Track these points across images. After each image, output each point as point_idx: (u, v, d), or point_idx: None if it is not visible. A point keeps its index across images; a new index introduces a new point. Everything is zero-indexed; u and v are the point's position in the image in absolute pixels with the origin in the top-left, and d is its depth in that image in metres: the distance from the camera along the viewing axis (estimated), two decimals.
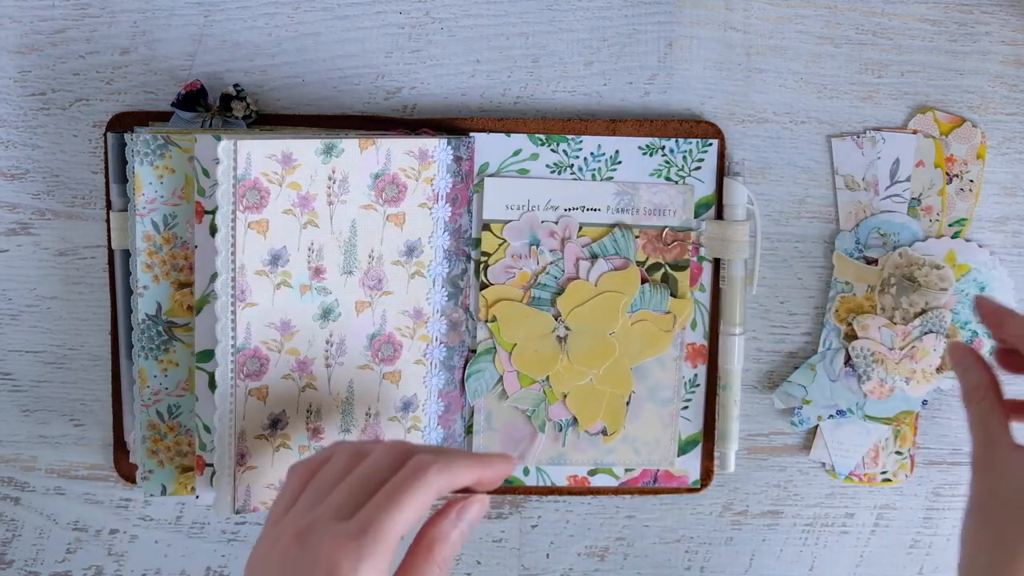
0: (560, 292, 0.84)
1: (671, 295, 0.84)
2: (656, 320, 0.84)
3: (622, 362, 0.84)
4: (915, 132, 0.85)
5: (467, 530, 0.65)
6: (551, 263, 0.84)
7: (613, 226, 0.84)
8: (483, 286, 0.84)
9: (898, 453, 0.88)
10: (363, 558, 0.59)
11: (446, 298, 0.82)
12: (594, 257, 0.84)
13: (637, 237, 0.84)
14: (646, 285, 0.84)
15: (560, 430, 0.86)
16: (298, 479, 0.66)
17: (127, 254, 0.80)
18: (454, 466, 0.64)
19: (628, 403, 0.86)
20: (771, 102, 0.85)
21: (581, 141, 0.83)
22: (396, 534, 0.61)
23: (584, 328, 0.82)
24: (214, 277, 0.74)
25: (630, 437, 0.86)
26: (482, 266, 0.84)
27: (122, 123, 0.82)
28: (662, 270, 0.84)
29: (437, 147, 0.80)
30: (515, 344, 0.84)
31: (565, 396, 0.85)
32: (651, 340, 0.84)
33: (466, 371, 0.84)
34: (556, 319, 0.80)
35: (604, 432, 0.86)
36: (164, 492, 0.81)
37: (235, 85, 0.82)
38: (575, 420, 0.85)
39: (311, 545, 0.61)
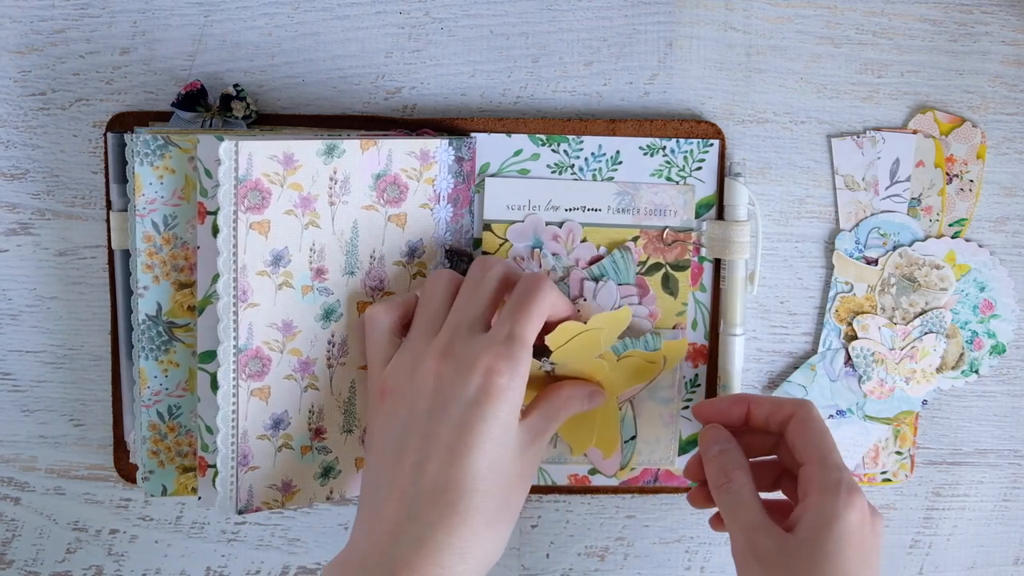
0: None
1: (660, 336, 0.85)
2: (644, 356, 0.82)
3: (610, 393, 0.83)
4: (915, 132, 0.85)
5: (587, 408, 0.79)
6: (560, 279, 0.84)
7: (612, 240, 0.84)
8: None
9: (898, 453, 0.88)
10: (516, 361, 0.69)
11: None
12: (596, 279, 0.84)
13: (637, 238, 0.84)
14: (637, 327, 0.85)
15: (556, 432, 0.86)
16: (393, 320, 0.76)
17: (127, 254, 0.80)
18: (562, 296, 0.76)
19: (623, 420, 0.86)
20: (771, 102, 0.85)
21: (582, 141, 0.83)
22: (532, 339, 0.71)
23: (569, 360, 0.79)
24: (216, 278, 0.74)
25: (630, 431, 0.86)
26: None
27: (122, 123, 0.82)
28: (663, 270, 0.84)
29: (438, 148, 0.80)
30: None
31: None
32: (638, 372, 0.83)
33: None
34: (540, 359, 0.77)
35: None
36: (164, 492, 0.81)
37: (235, 85, 0.82)
38: (569, 449, 0.86)
39: (461, 356, 0.70)
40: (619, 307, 0.84)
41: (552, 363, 0.77)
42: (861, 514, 0.67)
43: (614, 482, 0.87)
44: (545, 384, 0.79)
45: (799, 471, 0.71)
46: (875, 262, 0.85)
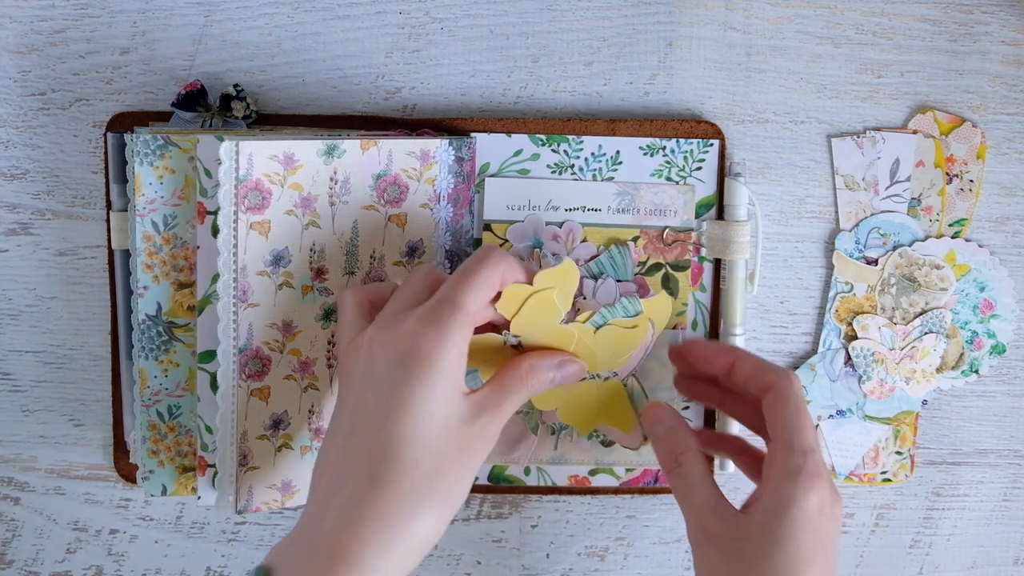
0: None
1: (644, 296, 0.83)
2: (623, 324, 0.77)
3: (598, 366, 0.79)
4: (915, 132, 0.85)
5: (559, 379, 0.72)
6: None
7: (612, 240, 0.84)
8: None
9: (898, 453, 0.88)
10: (441, 323, 0.65)
11: None
12: (594, 277, 0.84)
13: (637, 238, 0.84)
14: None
15: (553, 433, 0.86)
16: (359, 302, 0.72)
17: (127, 254, 0.80)
18: (516, 261, 0.71)
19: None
20: (771, 102, 0.85)
21: (582, 141, 0.83)
22: (470, 304, 0.67)
23: (532, 330, 0.74)
24: (216, 278, 0.74)
25: None
26: None
27: (122, 123, 0.82)
28: (663, 270, 0.84)
29: (439, 148, 0.80)
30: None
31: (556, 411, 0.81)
32: (623, 342, 0.78)
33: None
34: (503, 333, 0.74)
35: (603, 442, 0.86)
36: (164, 492, 0.81)
37: (235, 85, 0.82)
38: (574, 433, 0.86)
39: (394, 325, 0.67)
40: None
41: (516, 336, 0.73)
42: (820, 500, 0.66)
43: (614, 482, 0.87)
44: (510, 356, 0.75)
45: (768, 446, 0.70)
46: (875, 262, 0.85)
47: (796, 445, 0.68)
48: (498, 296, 0.71)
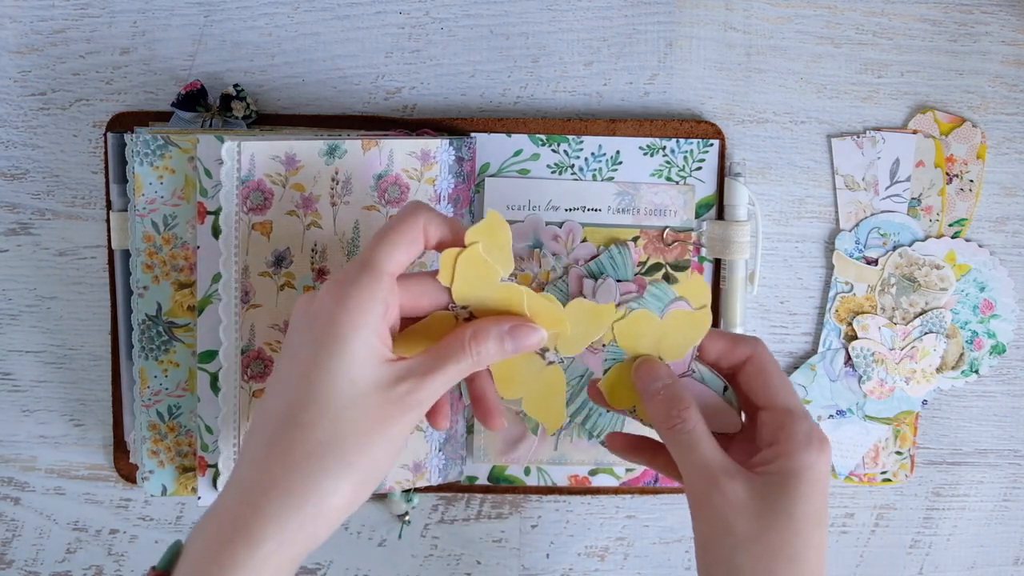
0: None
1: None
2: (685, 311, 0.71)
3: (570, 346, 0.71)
4: (915, 132, 0.85)
5: (510, 347, 0.66)
6: (559, 277, 0.83)
7: (611, 239, 0.84)
8: None
9: (898, 453, 0.88)
10: (349, 284, 0.62)
11: None
12: (594, 277, 0.84)
13: (637, 238, 0.84)
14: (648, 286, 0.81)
15: (553, 434, 0.86)
16: None
17: (127, 254, 0.80)
18: (440, 215, 0.66)
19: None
20: (771, 102, 0.85)
21: (582, 141, 0.83)
22: (382, 262, 0.63)
23: (476, 294, 0.67)
24: (216, 278, 0.74)
25: None
26: None
27: (122, 123, 0.82)
28: (663, 270, 0.84)
29: (439, 148, 0.80)
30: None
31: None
32: (690, 324, 0.70)
33: None
34: (450, 306, 0.68)
35: (603, 443, 0.85)
36: (164, 492, 0.81)
37: (235, 85, 0.82)
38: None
39: (311, 292, 0.65)
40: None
41: (462, 307, 0.67)
42: (828, 463, 0.67)
43: (614, 482, 0.87)
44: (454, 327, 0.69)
45: (758, 414, 0.69)
46: (875, 262, 0.85)
47: (797, 411, 0.68)
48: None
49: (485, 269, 0.66)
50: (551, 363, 0.70)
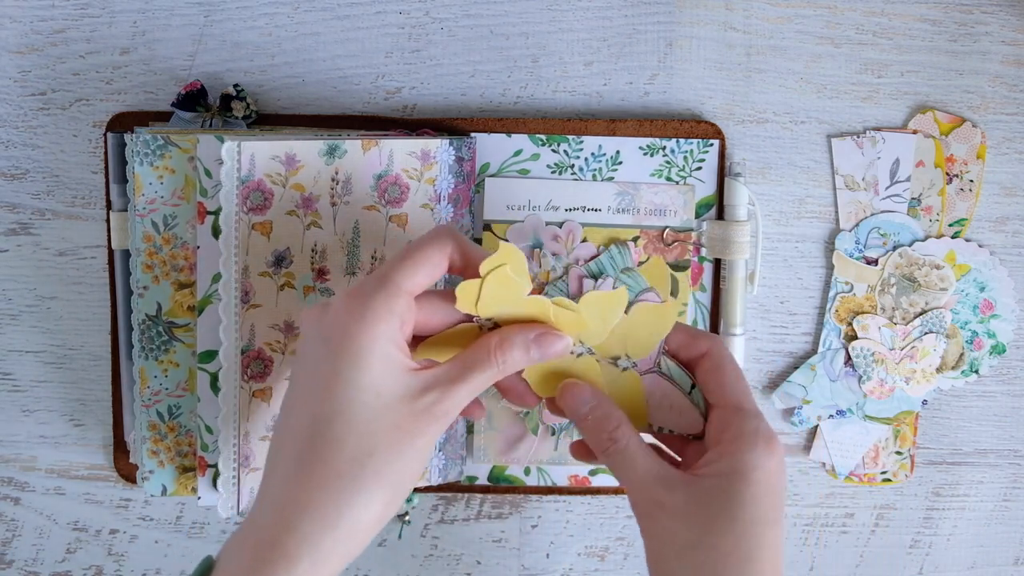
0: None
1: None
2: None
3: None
4: (915, 132, 0.85)
5: (536, 355, 0.66)
6: (559, 277, 0.83)
7: (611, 239, 0.84)
8: None
9: (898, 453, 0.88)
10: (363, 296, 0.61)
11: None
12: (594, 276, 0.84)
13: (637, 238, 0.84)
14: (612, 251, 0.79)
15: (553, 434, 0.86)
16: None
17: (127, 254, 0.80)
18: (467, 242, 0.66)
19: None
20: (771, 102, 0.85)
21: (582, 141, 0.83)
22: (400, 280, 0.62)
23: (500, 309, 0.66)
24: (216, 278, 0.74)
25: None
26: None
27: (122, 123, 0.82)
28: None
29: (439, 148, 0.80)
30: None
31: None
32: (656, 317, 0.69)
33: None
34: (475, 318, 0.67)
35: None
36: (164, 492, 0.81)
37: (235, 85, 0.82)
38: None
39: (325, 304, 0.63)
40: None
41: (488, 319, 0.67)
42: (779, 463, 0.65)
43: (614, 482, 0.87)
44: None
45: (709, 412, 0.68)
46: (875, 262, 0.85)
47: (747, 408, 0.67)
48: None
49: (510, 286, 0.65)
50: (580, 355, 0.69)
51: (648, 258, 0.83)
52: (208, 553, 0.83)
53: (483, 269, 0.64)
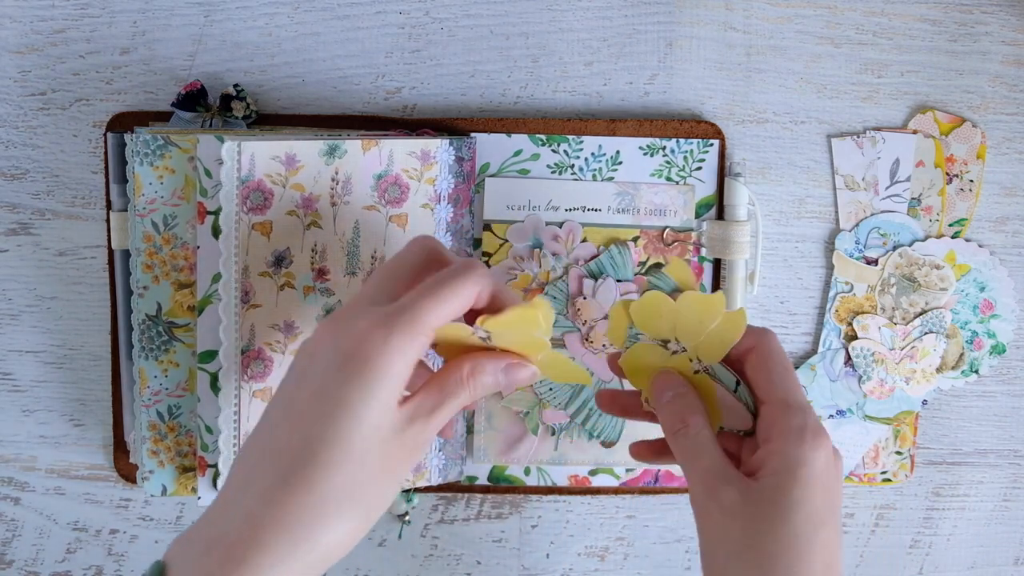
0: (565, 308, 0.84)
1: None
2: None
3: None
4: (915, 132, 0.85)
5: (504, 384, 0.66)
6: (559, 277, 0.84)
7: (611, 239, 0.84)
8: None
9: (898, 453, 0.88)
10: (393, 331, 0.60)
11: None
12: (594, 276, 0.84)
13: (637, 238, 0.84)
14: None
15: (553, 434, 0.86)
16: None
17: (127, 254, 0.80)
18: (494, 283, 0.65)
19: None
20: (771, 102, 0.85)
21: (582, 141, 0.83)
22: (430, 319, 0.61)
23: (506, 331, 0.66)
24: (216, 278, 0.74)
25: (631, 437, 0.86)
26: None
27: (122, 123, 0.82)
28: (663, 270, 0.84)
29: (439, 148, 0.80)
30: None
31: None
32: (707, 307, 0.68)
33: None
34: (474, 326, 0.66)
35: (604, 443, 0.86)
36: (164, 492, 0.81)
37: (235, 85, 0.82)
38: (574, 422, 0.85)
39: (345, 324, 0.61)
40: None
41: (486, 331, 0.65)
42: (827, 458, 0.64)
43: (614, 482, 0.87)
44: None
45: (759, 408, 0.67)
46: (875, 262, 0.85)
47: (793, 403, 0.66)
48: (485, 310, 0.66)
49: (532, 324, 0.65)
50: (675, 352, 0.69)
51: (666, 261, 0.83)
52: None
53: (526, 311, 0.65)
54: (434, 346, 0.65)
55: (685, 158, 0.84)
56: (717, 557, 0.64)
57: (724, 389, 0.69)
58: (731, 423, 0.69)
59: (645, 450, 0.74)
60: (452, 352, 0.67)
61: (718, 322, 0.67)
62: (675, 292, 0.68)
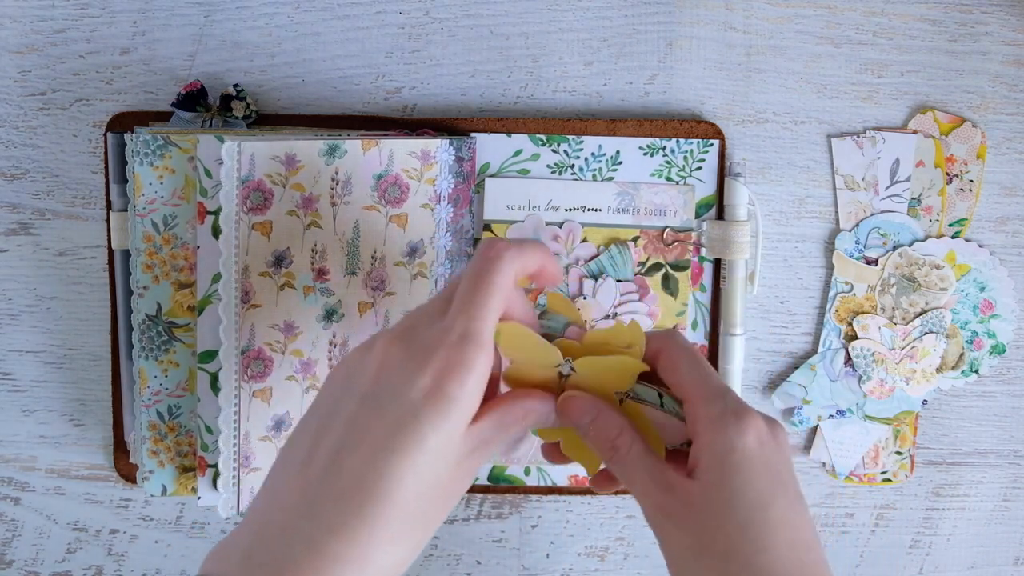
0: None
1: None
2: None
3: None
4: (915, 132, 0.85)
5: (550, 423, 0.64)
6: None
7: (611, 239, 0.84)
8: None
9: (898, 453, 0.88)
10: (469, 366, 0.58)
11: None
12: (594, 277, 0.84)
13: (637, 238, 0.84)
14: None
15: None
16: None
17: (127, 254, 0.80)
18: (525, 250, 0.62)
19: None
20: (771, 102, 0.85)
21: (582, 141, 0.83)
22: (489, 333, 0.59)
23: (588, 376, 0.65)
24: (216, 278, 0.74)
25: None
26: None
27: (122, 123, 0.82)
28: (663, 270, 0.84)
29: (439, 148, 0.80)
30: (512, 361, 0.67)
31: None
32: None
33: None
34: (564, 359, 0.64)
35: None
36: (164, 492, 0.81)
37: (235, 85, 0.82)
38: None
39: (413, 345, 0.59)
40: (619, 310, 0.84)
41: (573, 368, 0.64)
42: (756, 436, 0.60)
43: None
44: (556, 387, 0.66)
45: (684, 411, 0.63)
46: (875, 262, 0.85)
47: (708, 392, 0.62)
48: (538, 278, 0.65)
49: (620, 372, 0.64)
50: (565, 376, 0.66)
51: (665, 261, 0.83)
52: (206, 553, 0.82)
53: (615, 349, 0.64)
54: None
55: (685, 158, 0.84)
56: (680, 568, 0.62)
57: (649, 407, 0.65)
58: (672, 440, 0.66)
59: (603, 480, 0.70)
60: (520, 359, 0.65)
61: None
62: (568, 327, 0.66)
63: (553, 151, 0.83)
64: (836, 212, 0.86)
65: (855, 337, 0.86)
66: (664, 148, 0.84)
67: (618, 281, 0.84)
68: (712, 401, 0.61)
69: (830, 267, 0.86)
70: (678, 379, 0.64)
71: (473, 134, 0.83)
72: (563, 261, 0.83)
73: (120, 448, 0.85)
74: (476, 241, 0.83)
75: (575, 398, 0.64)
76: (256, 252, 0.74)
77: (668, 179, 0.84)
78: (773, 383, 0.88)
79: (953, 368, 0.87)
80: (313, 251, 0.76)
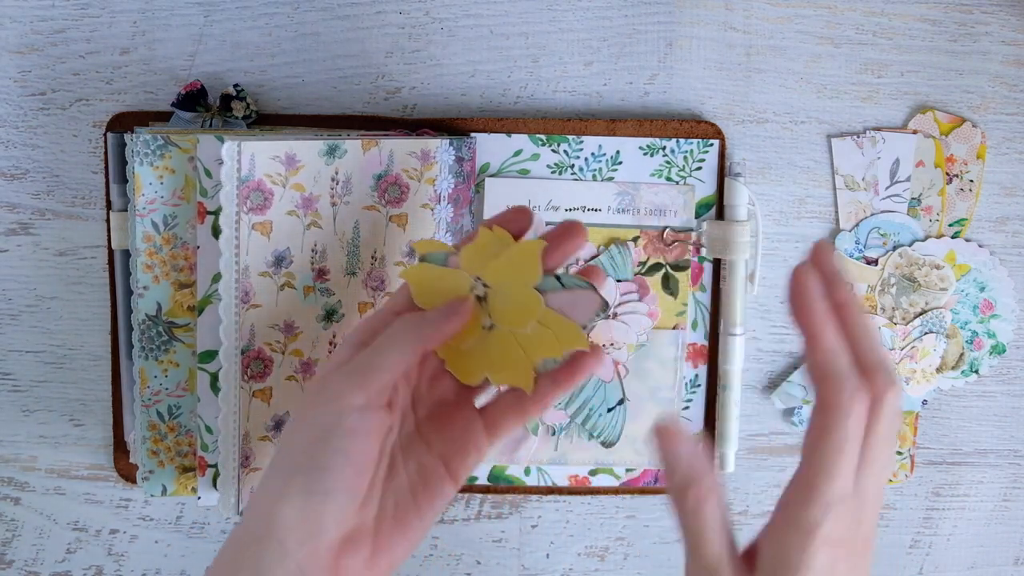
0: None
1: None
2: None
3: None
4: (915, 132, 0.85)
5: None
6: None
7: (611, 239, 0.84)
8: None
9: (898, 453, 0.88)
10: (355, 385, 0.62)
11: None
12: None
13: (637, 238, 0.84)
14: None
15: (553, 434, 0.86)
16: None
17: (127, 254, 0.80)
18: (424, 327, 0.64)
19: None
20: (771, 102, 0.85)
21: (582, 141, 0.83)
22: (385, 374, 0.63)
23: (502, 282, 0.65)
24: (216, 278, 0.74)
25: (631, 437, 0.86)
26: None
27: (122, 123, 0.82)
28: (663, 270, 0.84)
29: (439, 148, 0.80)
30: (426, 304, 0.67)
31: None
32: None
33: None
34: (475, 279, 0.65)
35: (604, 443, 0.86)
36: (164, 492, 0.81)
37: (235, 85, 0.82)
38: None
39: (325, 381, 0.64)
40: (614, 306, 0.84)
41: (485, 284, 0.65)
42: (831, 559, 0.56)
43: (614, 482, 0.87)
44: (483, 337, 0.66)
45: (799, 469, 0.59)
46: (875, 262, 0.85)
47: (818, 494, 0.57)
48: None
49: (529, 270, 0.64)
50: (492, 327, 0.66)
51: (665, 261, 0.83)
52: (208, 553, 0.83)
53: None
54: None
55: (685, 158, 0.84)
56: None
57: (556, 293, 0.64)
58: (586, 315, 0.63)
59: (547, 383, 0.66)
60: (434, 297, 0.66)
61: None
62: (448, 258, 0.67)
63: (553, 151, 0.83)
64: (836, 212, 0.86)
65: None
66: (664, 148, 0.84)
67: (618, 281, 0.84)
68: (813, 507, 0.57)
69: None
70: (813, 446, 0.59)
71: (473, 134, 0.83)
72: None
73: (120, 448, 0.85)
74: None
75: (674, 431, 0.61)
76: (256, 252, 0.74)
77: (668, 179, 0.84)
78: (773, 383, 0.88)
79: (953, 368, 0.87)
80: (313, 251, 0.76)
